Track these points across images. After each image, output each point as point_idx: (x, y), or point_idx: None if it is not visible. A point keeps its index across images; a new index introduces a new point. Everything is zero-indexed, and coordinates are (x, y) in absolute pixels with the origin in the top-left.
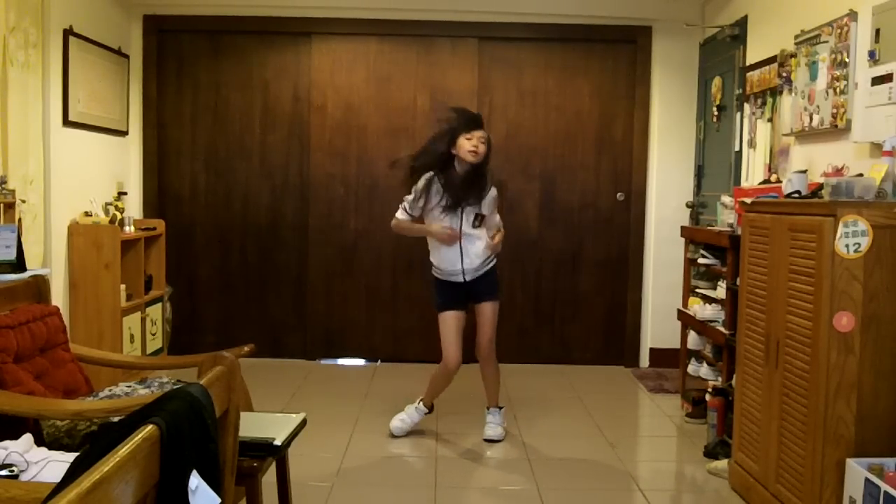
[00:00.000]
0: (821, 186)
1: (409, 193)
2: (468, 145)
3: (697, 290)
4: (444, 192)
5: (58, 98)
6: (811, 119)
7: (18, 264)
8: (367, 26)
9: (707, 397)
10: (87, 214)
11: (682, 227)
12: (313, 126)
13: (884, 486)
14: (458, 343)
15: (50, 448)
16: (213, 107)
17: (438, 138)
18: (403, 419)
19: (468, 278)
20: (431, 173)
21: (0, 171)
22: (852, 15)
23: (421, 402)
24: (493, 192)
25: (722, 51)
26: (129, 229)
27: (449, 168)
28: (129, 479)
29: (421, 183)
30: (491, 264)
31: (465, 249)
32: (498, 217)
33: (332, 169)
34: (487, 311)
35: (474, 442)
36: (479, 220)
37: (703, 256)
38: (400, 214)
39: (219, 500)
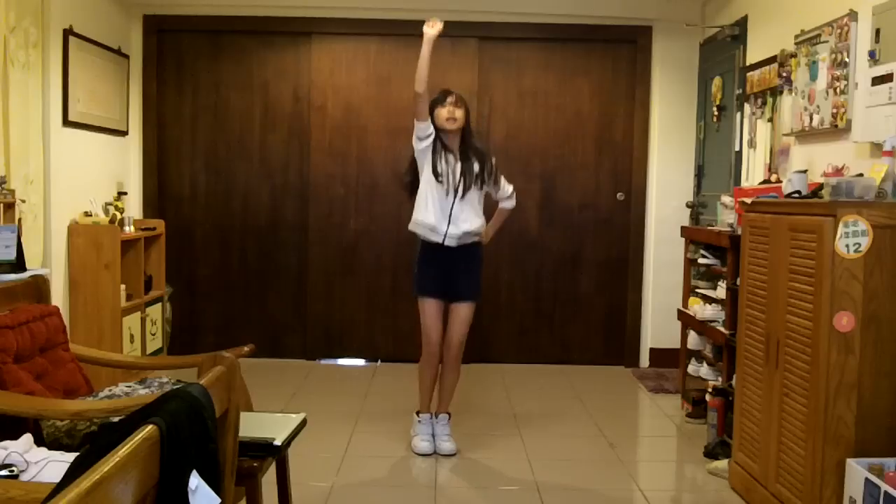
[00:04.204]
0: (821, 186)
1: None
2: (444, 113)
3: (697, 290)
4: (440, 154)
5: (58, 98)
6: (811, 119)
7: (18, 264)
8: (367, 26)
9: (707, 397)
10: (87, 214)
11: (682, 227)
12: (313, 126)
13: (884, 487)
14: (438, 327)
15: (50, 448)
16: (213, 107)
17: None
18: (421, 437)
19: (448, 243)
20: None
21: (1, 171)
22: (852, 15)
23: (417, 413)
24: (491, 161)
25: (722, 51)
26: (129, 229)
27: (441, 142)
28: (128, 480)
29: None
30: (475, 240)
31: (455, 214)
32: (506, 185)
33: (332, 169)
34: (462, 313)
35: (474, 441)
36: (479, 181)
37: (703, 256)
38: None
39: (219, 500)
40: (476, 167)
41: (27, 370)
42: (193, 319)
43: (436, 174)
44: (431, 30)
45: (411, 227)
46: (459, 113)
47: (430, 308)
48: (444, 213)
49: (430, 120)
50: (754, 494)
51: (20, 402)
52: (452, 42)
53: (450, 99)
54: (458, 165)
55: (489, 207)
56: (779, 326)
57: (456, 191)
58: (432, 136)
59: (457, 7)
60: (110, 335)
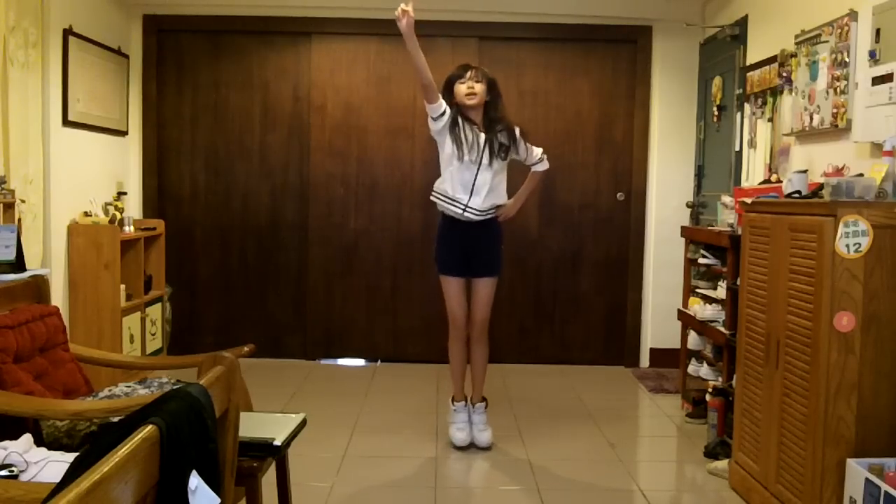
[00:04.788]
0: (821, 186)
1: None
2: (464, 89)
3: (697, 290)
4: (459, 128)
5: (57, 98)
6: (811, 119)
7: (18, 264)
8: (367, 26)
9: (707, 397)
10: (86, 214)
11: (683, 227)
12: (313, 126)
13: (884, 487)
14: (462, 304)
15: (49, 448)
16: (213, 107)
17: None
18: (457, 426)
19: (468, 216)
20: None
21: (0, 171)
22: (852, 15)
23: (452, 400)
24: (515, 130)
25: (722, 51)
26: (129, 229)
27: (461, 118)
28: (128, 480)
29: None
30: (493, 215)
31: (478, 187)
32: (534, 148)
33: (332, 169)
34: (484, 289)
35: None
36: (504, 151)
37: (704, 256)
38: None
39: (219, 500)
40: (500, 138)
41: (27, 370)
42: (193, 319)
43: (457, 146)
44: (402, 23)
45: (432, 196)
46: (479, 87)
47: (452, 287)
48: (465, 185)
49: (440, 100)
50: (754, 494)
51: (20, 402)
52: (452, 42)
53: (469, 74)
54: (482, 136)
55: (519, 175)
56: (779, 326)
57: (479, 163)
58: (447, 115)
59: (457, 7)
60: (110, 335)
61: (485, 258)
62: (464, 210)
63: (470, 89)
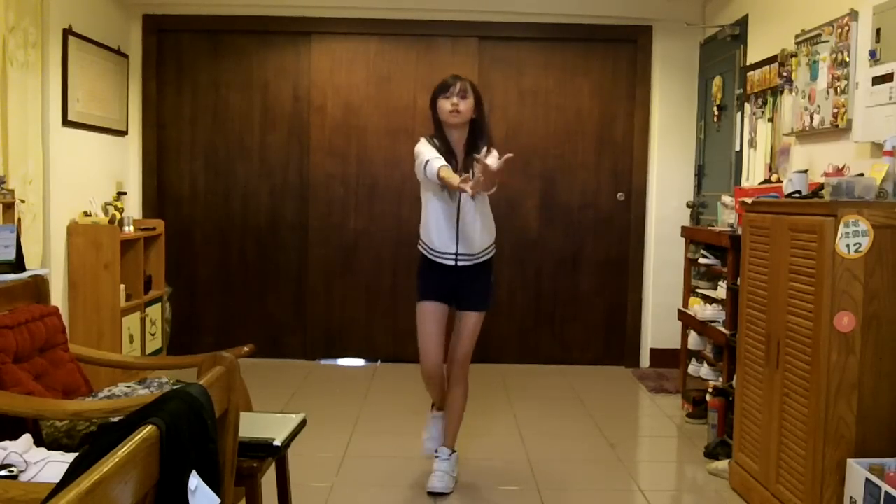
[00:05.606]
0: (821, 186)
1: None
2: (447, 105)
3: (698, 291)
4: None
5: (57, 98)
6: (812, 119)
7: (17, 264)
8: (367, 26)
9: (707, 397)
10: (86, 214)
11: (683, 227)
12: (313, 126)
13: (884, 487)
14: (437, 341)
15: (49, 448)
16: (213, 107)
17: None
18: (429, 436)
19: (461, 263)
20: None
21: (0, 171)
22: (853, 14)
23: (433, 407)
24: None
25: (722, 50)
26: (129, 229)
27: (444, 138)
28: (128, 480)
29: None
30: (489, 255)
31: (462, 230)
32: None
33: (332, 169)
34: (470, 323)
35: (474, 442)
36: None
37: (704, 256)
38: (436, 162)
39: (218, 500)
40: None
41: (26, 370)
42: (193, 319)
43: (442, 189)
44: (469, 189)
45: (420, 246)
46: (465, 105)
47: (429, 315)
48: (451, 230)
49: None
50: (755, 495)
51: (19, 403)
52: (452, 42)
53: (454, 88)
54: (462, 173)
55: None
56: (779, 326)
57: (460, 203)
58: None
59: (457, 7)
60: (110, 335)
61: (472, 292)
62: (455, 260)
63: (454, 106)
